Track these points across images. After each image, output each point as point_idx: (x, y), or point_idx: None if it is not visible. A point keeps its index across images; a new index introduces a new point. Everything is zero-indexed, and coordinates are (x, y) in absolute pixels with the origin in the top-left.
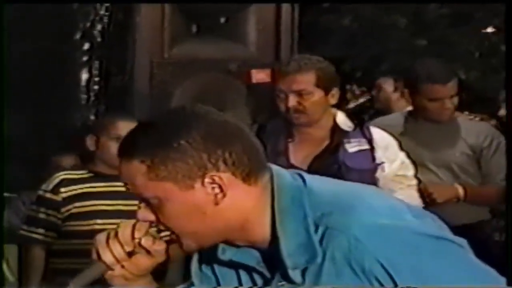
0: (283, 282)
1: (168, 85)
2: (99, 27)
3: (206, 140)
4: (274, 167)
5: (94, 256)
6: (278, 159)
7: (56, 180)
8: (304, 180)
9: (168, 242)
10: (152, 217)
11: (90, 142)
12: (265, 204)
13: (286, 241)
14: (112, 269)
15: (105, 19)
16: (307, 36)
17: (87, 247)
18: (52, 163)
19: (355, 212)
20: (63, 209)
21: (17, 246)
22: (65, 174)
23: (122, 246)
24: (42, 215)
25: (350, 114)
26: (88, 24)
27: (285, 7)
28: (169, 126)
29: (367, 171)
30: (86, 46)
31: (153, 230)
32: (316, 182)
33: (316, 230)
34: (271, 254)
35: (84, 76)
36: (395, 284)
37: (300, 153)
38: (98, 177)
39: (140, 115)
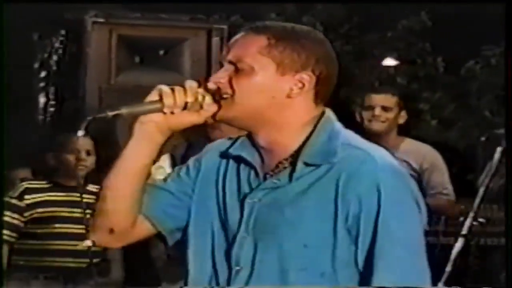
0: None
1: (114, 108)
2: (55, 57)
3: (323, 51)
4: (329, 111)
5: (155, 97)
6: None
7: (21, 189)
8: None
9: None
10: (225, 79)
11: (51, 158)
12: (310, 125)
13: (312, 146)
14: (164, 112)
15: (60, 51)
16: None
17: (45, 247)
18: (9, 176)
19: (371, 148)
20: (26, 214)
21: None
22: (29, 184)
23: (186, 94)
24: (7, 218)
25: None
26: (46, 55)
27: (215, 42)
28: (301, 29)
29: None
30: (43, 74)
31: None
32: None
33: (342, 145)
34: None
35: (42, 100)
36: (376, 223)
37: None
38: (58, 187)
39: (90, 133)
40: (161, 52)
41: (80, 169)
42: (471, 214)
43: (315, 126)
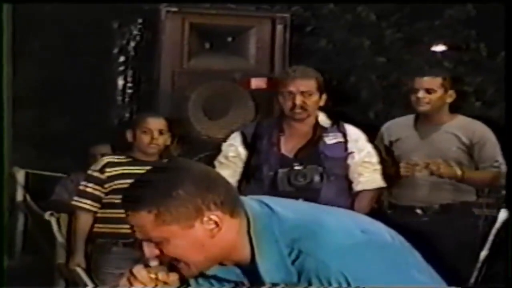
0: None
1: (186, 90)
2: (132, 44)
3: (197, 187)
4: (245, 199)
5: None
6: (271, 149)
7: (103, 162)
8: (270, 207)
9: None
10: (157, 251)
11: (129, 135)
12: (244, 230)
13: (263, 260)
14: None
15: (137, 38)
16: (294, 54)
17: (124, 216)
18: (90, 152)
19: (318, 237)
20: (106, 185)
21: (67, 215)
22: (110, 158)
23: (145, 285)
24: (90, 189)
25: (329, 114)
26: (124, 42)
27: (279, 30)
28: (165, 179)
29: (341, 159)
30: (122, 58)
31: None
32: (280, 207)
33: (289, 253)
34: (253, 270)
35: (120, 82)
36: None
37: (288, 144)
38: (135, 161)
39: (164, 113)
40: (229, 39)
41: (152, 147)
42: None
43: (249, 232)
